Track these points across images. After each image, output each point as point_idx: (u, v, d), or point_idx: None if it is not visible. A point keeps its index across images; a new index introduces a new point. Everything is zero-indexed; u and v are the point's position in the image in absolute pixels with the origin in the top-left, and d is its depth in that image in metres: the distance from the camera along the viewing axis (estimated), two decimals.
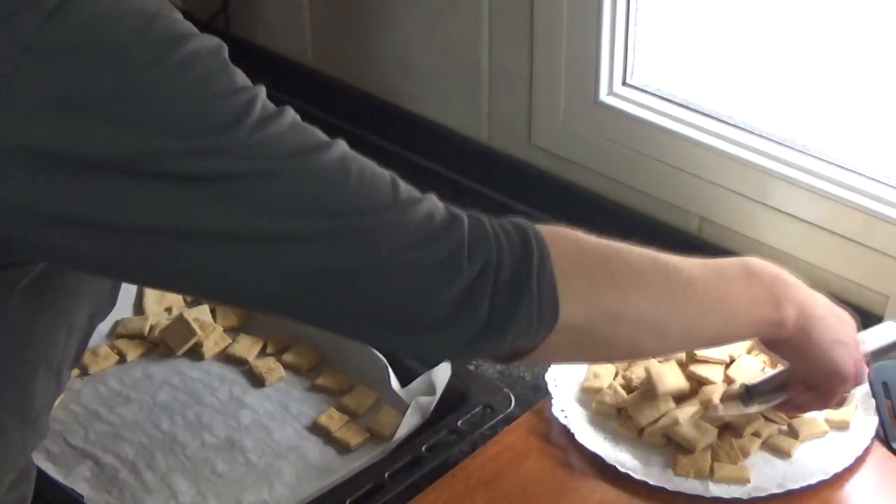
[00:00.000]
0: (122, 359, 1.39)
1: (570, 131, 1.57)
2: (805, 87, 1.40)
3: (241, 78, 0.85)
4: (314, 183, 0.84)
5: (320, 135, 0.87)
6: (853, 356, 1.15)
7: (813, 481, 1.19)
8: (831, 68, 1.37)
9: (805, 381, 1.17)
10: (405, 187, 0.89)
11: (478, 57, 1.62)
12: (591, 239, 0.95)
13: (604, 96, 1.53)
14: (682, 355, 1.29)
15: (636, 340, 0.98)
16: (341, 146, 0.88)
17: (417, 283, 0.87)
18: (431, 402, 1.28)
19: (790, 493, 1.19)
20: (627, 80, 1.53)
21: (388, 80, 1.75)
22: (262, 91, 0.85)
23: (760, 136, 1.43)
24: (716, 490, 1.19)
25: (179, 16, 0.84)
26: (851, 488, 1.21)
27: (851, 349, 1.15)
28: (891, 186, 1.35)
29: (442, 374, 1.30)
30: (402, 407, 1.29)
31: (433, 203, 0.89)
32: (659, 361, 1.28)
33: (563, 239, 0.93)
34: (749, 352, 1.30)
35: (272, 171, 0.83)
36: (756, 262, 1.06)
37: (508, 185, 1.65)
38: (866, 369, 1.19)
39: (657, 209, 1.53)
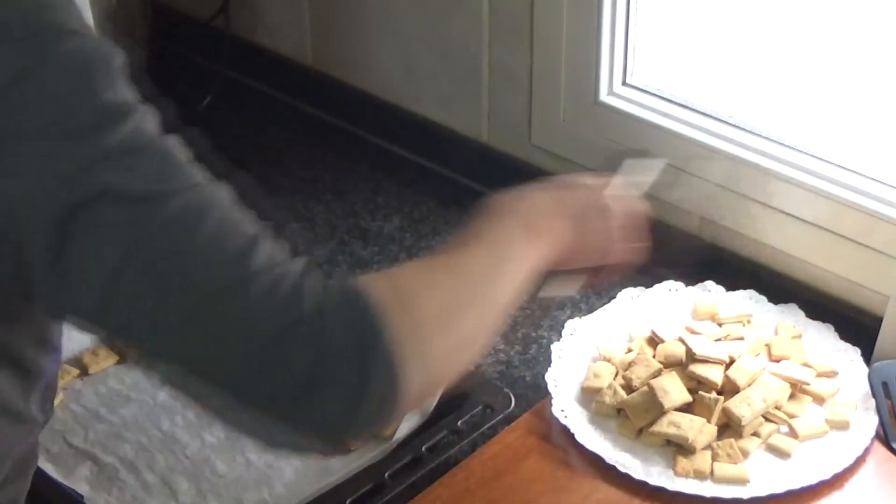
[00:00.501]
0: (122, 359, 1.39)
1: (570, 131, 1.57)
2: (805, 87, 1.40)
3: (125, 93, 0.80)
4: (153, 231, 0.79)
5: (189, 176, 0.81)
6: (636, 219, 1.13)
7: (813, 481, 1.19)
8: (831, 68, 1.37)
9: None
10: (264, 250, 0.83)
11: (478, 57, 1.62)
12: (393, 282, 0.90)
13: (604, 96, 1.53)
14: (683, 356, 1.29)
15: (467, 350, 0.94)
16: (207, 193, 0.82)
17: (250, 361, 0.81)
18: (431, 402, 1.28)
19: (790, 493, 1.19)
20: (627, 80, 1.53)
21: (388, 80, 1.75)
22: (142, 112, 0.80)
23: (760, 136, 1.43)
24: (716, 490, 1.19)
25: (77, 11, 0.80)
26: (851, 488, 1.21)
27: (635, 213, 1.13)
28: (891, 186, 1.35)
29: None
30: None
31: (283, 272, 0.83)
32: (660, 372, 1.29)
33: (386, 297, 0.86)
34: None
35: (115, 197, 0.77)
36: (498, 204, 1.05)
37: (508, 185, 1.64)
38: (632, 200, 1.15)
39: (657, 209, 1.53)
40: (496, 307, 0.96)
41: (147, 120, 0.80)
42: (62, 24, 0.78)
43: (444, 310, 0.90)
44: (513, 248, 1.00)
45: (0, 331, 0.93)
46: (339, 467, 1.25)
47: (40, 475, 1.22)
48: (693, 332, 1.33)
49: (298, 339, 0.81)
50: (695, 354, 1.28)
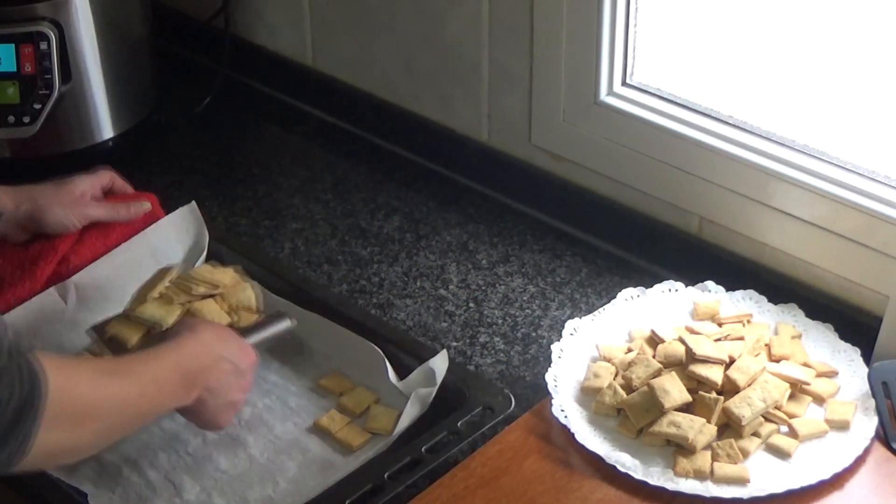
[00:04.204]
0: None
1: (570, 131, 1.57)
2: (805, 87, 1.40)
3: None
4: None
5: None
6: (236, 406, 1.26)
7: (813, 481, 1.20)
8: (831, 68, 1.37)
9: None
10: None
11: (478, 57, 1.62)
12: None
13: (604, 96, 1.53)
14: (683, 356, 1.29)
15: (82, 452, 1.13)
16: None
17: None
18: (431, 392, 1.28)
19: (790, 493, 1.19)
20: (627, 80, 1.53)
21: (388, 80, 1.75)
22: None
23: (760, 136, 1.43)
24: (716, 490, 1.20)
25: None
26: (851, 488, 1.21)
27: (237, 403, 1.26)
28: (891, 186, 1.35)
29: (440, 364, 1.30)
30: (401, 407, 1.29)
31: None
32: (660, 373, 1.29)
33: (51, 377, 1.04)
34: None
35: None
36: (184, 348, 1.21)
37: (508, 185, 1.65)
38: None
39: (657, 209, 1.53)
40: (128, 426, 1.16)
41: None
42: None
43: (92, 410, 1.08)
44: (165, 393, 1.17)
45: None
46: (343, 462, 1.26)
47: (41, 476, 1.22)
48: (693, 332, 1.33)
49: None
50: (695, 354, 1.28)
